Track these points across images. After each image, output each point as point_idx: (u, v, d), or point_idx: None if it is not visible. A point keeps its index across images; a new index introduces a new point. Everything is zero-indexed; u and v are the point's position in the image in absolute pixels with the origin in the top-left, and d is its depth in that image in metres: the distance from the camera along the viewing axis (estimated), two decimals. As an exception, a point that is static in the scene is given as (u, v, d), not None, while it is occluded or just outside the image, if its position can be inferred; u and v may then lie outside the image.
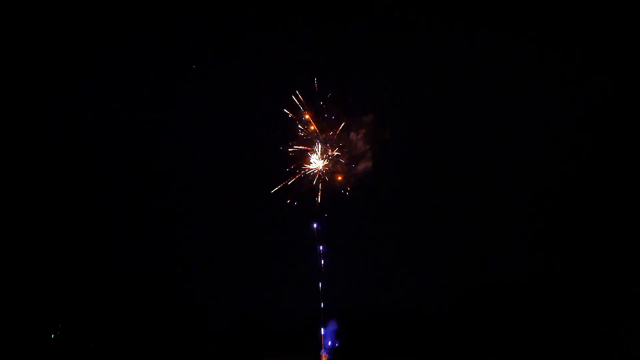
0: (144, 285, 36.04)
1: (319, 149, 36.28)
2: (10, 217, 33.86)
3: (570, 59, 34.73)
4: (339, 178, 36.34)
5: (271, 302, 36.47)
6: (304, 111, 35.92)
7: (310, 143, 36.36)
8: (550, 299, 34.10)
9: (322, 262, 36.69)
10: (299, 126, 36.23)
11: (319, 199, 36.30)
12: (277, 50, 36.19)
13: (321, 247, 36.62)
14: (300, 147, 36.38)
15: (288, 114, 35.99)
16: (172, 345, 34.81)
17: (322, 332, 35.68)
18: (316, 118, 36.03)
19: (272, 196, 36.09)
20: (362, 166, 36.60)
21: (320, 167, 36.26)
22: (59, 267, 34.93)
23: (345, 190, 36.14)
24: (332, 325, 35.68)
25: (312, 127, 36.14)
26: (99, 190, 36.55)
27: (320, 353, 35.48)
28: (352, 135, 36.38)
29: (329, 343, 35.59)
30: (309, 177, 36.35)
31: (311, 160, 36.41)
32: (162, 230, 36.79)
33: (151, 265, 36.37)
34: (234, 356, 35.44)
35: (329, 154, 36.30)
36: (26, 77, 34.53)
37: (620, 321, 31.72)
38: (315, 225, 36.54)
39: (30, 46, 34.16)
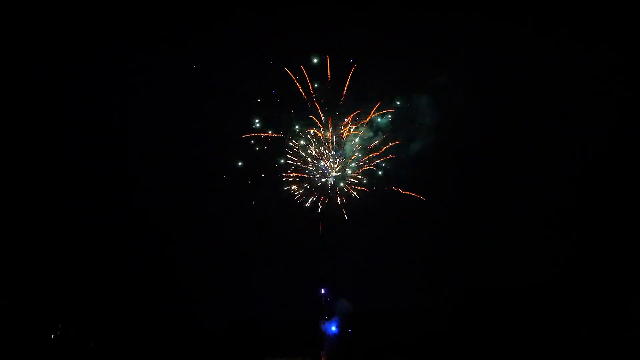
0: (144, 286, 36.08)
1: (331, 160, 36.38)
2: (10, 217, 33.94)
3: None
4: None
5: (271, 303, 36.48)
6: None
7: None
8: (552, 301, 34.02)
9: (323, 265, 36.82)
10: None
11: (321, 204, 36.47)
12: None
13: (322, 251, 36.74)
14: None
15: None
16: (172, 346, 34.83)
17: (322, 327, 35.72)
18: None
19: (274, 198, 36.17)
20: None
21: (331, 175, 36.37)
22: (60, 267, 34.98)
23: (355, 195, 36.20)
24: (331, 328, 35.71)
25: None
26: (100, 191, 36.59)
27: (320, 353, 35.49)
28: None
29: (329, 340, 35.61)
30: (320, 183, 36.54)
31: (322, 168, 36.49)
32: (163, 232, 36.80)
33: (152, 266, 36.42)
34: (234, 356, 35.42)
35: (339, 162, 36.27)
36: None
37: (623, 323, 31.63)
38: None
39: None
